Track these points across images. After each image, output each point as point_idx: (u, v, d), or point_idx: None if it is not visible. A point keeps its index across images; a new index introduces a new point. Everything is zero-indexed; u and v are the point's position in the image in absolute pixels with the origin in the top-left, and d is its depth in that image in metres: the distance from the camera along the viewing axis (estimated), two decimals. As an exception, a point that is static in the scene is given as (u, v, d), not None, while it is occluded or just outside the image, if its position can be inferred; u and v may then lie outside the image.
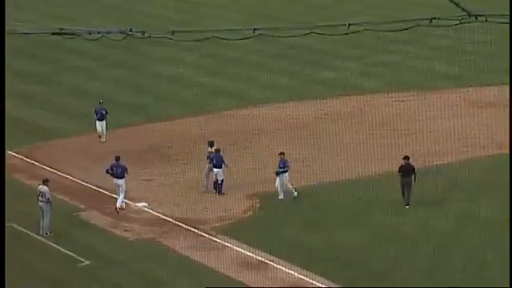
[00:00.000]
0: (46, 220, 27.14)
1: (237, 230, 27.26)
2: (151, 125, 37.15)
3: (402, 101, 38.61)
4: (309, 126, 36.50)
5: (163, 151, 33.94)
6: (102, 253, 26.25)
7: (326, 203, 28.84)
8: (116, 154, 29.80)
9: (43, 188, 27.26)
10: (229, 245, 26.28)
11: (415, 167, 27.89)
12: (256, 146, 34.79)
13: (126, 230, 27.77)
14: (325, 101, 39.03)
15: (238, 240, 26.44)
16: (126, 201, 29.59)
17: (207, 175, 29.69)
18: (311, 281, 23.75)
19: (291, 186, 29.26)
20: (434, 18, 17.48)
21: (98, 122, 34.65)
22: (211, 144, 29.97)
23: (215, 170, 29.15)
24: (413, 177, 27.74)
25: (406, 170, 27.88)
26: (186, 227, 27.59)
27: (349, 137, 34.28)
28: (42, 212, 27.19)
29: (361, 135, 34.07)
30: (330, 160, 32.24)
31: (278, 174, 29.02)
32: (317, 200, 29.21)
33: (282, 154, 29.66)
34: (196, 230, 27.36)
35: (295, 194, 29.06)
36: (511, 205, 25.48)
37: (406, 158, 28.08)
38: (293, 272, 24.28)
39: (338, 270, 24.30)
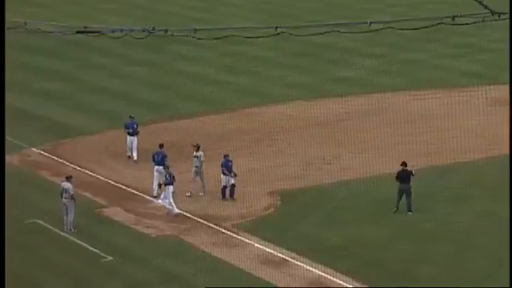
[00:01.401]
0: (70, 216, 27.33)
1: (258, 227, 27.33)
2: (172, 122, 37.34)
3: (424, 98, 38.55)
4: (330, 124, 36.52)
5: (185, 149, 33.88)
6: (124, 249, 26.39)
7: (347, 201, 28.83)
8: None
9: (66, 185, 27.49)
10: (250, 242, 26.38)
11: (413, 172, 27.64)
12: (277, 143, 34.84)
13: (147, 227, 27.89)
14: (346, 99, 38.98)
15: (259, 237, 26.52)
16: (148, 197, 29.79)
17: (194, 179, 29.28)
18: (332, 278, 23.88)
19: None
20: (457, 16, 17.50)
21: (128, 138, 32.87)
22: (197, 147, 29.52)
23: (224, 177, 28.58)
24: (411, 183, 27.39)
25: (404, 177, 27.61)
26: (208, 224, 27.73)
27: (370, 134, 34.28)
28: (66, 208, 27.42)
29: (382, 133, 34.01)
30: (351, 158, 32.20)
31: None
32: (338, 198, 29.21)
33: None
34: (217, 227, 27.48)
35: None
36: (511, 205, 25.44)
37: (404, 164, 27.78)
38: (314, 269, 24.35)
39: (359, 268, 24.33)
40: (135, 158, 32.71)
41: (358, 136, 34.12)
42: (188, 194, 29.14)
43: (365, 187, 29.35)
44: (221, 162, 28.73)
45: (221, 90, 41.76)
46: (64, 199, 27.40)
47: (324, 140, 34.34)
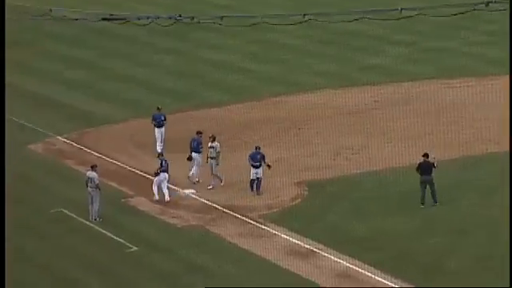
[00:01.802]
0: (95, 206, 27.50)
1: (285, 218, 27.36)
2: (198, 111, 37.41)
3: (455, 87, 38.27)
4: (358, 113, 36.39)
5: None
6: (149, 239, 26.54)
7: (375, 191, 28.74)
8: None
9: (91, 174, 27.65)
10: (277, 232, 26.42)
11: (435, 164, 27.46)
12: (304, 133, 34.81)
13: (173, 217, 28.05)
14: (375, 87, 38.81)
15: (285, 228, 26.55)
16: (173, 187, 29.84)
17: (212, 171, 29.18)
18: (360, 270, 23.84)
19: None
20: (491, 2, 17.31)
21: (156, 130, 32.54)
22: (213, 138, 29.41)
23: (255, 170, 28.41)
24: (433, 174, 27.26)
25: (426, 168, 27.43)
26: (234, 214, 27.81)
27: (399, 124, 34.08)
28: (91, 198, 27.62)
29: (412, 122, 33.80)
30: (380, 147, 32.09)
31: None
32: (366, 188, 29.13)
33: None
34: (244, 218, 27.57)
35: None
36: (511, 204, 25.37)
37: (425, 155, 27.60)
38: (341, 261, 24.38)
39: (387, 260, 24.31)
40: (159, 150, 32.10)
41: (387, 125, 33.99)
42: (210, 187, 29.19)
43: (393, 178, 29.16)
44: (250, 154, 28.58)
45: (247, 78, 41.81)
46: (89, 188, 27.60)
47: (352, 129, 34.25)
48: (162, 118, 32.94)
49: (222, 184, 29.37)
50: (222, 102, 38.21)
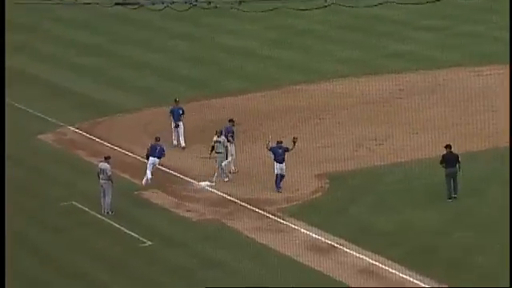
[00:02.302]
0: (107, 198, 27.62)
1: (305, 212, 27.45)
2: (215, 100, 37.53)
3: (485, 75, 38.16)
4: (383, 102, 36.38)
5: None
6: (163, 233, 26.69)
7: (400, 184, 28.78)
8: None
9: (104, 165, 27.77)
10: (296, 227, 26.48)
11: (459, 156, 27.49)
12: (326, 122, 34.82)
13: (188, 211, 28.21)
14: (400, 75, 38.79)
15: (306, 222, 26.64)
16: (188, 179, 30.06)
17: (219, 167, 29.12)
18: (384, 266, 23.85)
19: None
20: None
21: (174, 124, 32.40)
22: (219, 133, 29.40)
23: (278, 165, 28.31)
24: (457, 166, 27.26)
25: (450, 160, 27.42)
26: (252, 208, 27.93)
27: (426, 114, 34.04)
28: (103, 190, 27.78)
29: (439, 112, 33.81)
30: (405, 138, 32.11)
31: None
32: (390, 181, 29.15)
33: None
34: (262, 211, 27.68)
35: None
36: (511, 203, 25.38)
37: (448, 146, 27.59)
38: (364, 257, 24.41)
39: (412, 256, 24.32)
40: (183, 145, 32.25)
41: (412, 115, 33.89)
42: (226, 180, 29.30)
43: (419, 170, 29.14)
44: (271, 148, 28.55)
45: (266, 65, 41.84)
46: (101, 180, 27.76)
47: (376, 119, 34.23)
48: (180, 112, 32.75)
49: (226, 180, 29.39)
50: (239, 91, 38.30)
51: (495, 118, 32.81)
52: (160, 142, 29.88)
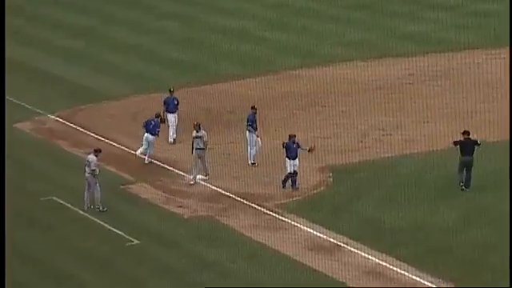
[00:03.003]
0: (97, 194, 27.62)
1: (306, 208, 27.48)
2: (208, 86, 37.55)
3: (503, 58, 37.95)
4: (391, 89, 36.41)
5: (222, 116, 34.29)
6: (152, 231, 26.74)
7: (410, 178, 28.72)
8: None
9: (90, 157, 27.83)
10: (297, 224, 26.53)
11: (479, 141, 27.65)
12: (328, 111, 34.79)
13: (179, 206, 28.22)
14: (410, 59, 38.70)
15: (307, 219, 26.69)
16: (179, 172, 30.06)
17: (195, 165, 29.04)
18: (392, 267, 23.91)
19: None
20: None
21: (169, 115, 32.37)
22: (198, 127, 29.27)
23: (291, 161, 28.13)
24: (474, 154, 27.44)
25: (467, 147, 27.51)
26: (248, 204, 27.97)
27: (438, 101, 34.10)
28: (88, 184, 27.81)
29: (453, 99, 33.79)
30: (415, 128, 32.13)
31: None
32: (399, 174, 29.15)
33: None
34: (259, 207, 27.72)
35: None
36: (511, 202, 25.46)
37: (466, 132, 27.72)
38: (371, 257, 24.47)
39: (423, 255, 24.39)
40: (171, 139, 32.40)
41: (424, 102, 33.94)
42: (192, 183, 29.18)
43: (431, 162, 29.19)
44: (284, 143, 28.55)
45: (263, 48, 41.85)
46: (86, 174, 27.80)
47: (383, 107, 34.21)
48: (176, 103, 32.80)
49: (207, 178, 29.34)
50: (234, 76, 38.32)
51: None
52: (158, 119, 30.51)
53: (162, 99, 33.17)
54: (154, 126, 30.68)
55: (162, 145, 31.02)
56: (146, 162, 30.79)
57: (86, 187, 27.84)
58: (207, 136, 29.55)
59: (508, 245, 24.09)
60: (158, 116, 31.12)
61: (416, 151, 30.28)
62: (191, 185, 29.01)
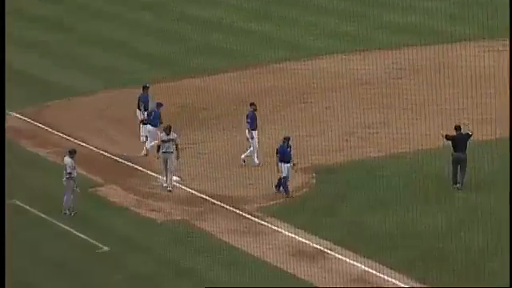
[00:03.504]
0: (67, 198, 27.55)
1: (288, 211, 27.51)
2: (183, 81, 37.46)
3: (499, 50, 38.15)
4: (378, 83, 36.42)
5: (198, 114, 34.24)
6: (123, 237, 26.73)
7: (399, 178, 28.78)
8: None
9: (66, 160, 27.75)
10: (278, 229, 26.58)
11: (470, 132, 27.85)
12: (312, 107, 34.85)
13: (152, 210, 28.23)
14: (399, 51, 38.77)
15: (289, 223, 26.72)
16: (152, 173, 30.04)
17: (164, 169, 28.82)
18: (380, 274, 23.93)
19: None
20: None
21: (138, 112, 32.49)
22: (168, 129, 28.95)
23: (283, 165, 27.98)
24: (467, 151, 27.58)
25: (461, 143, 27.62)
26: (227, 207, 28.00)
27: (429, 96, 34.09)
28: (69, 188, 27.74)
29: (445, 94, 33.78)
30: (403, 125, 32.06)
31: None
32: (387, 175, 29.15)
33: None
34: (238, 211, 27.74)
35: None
36: (511, 201, 25.58)
37: (457, 128, 27.90)
38: (357, 263, 24.48)
39: (413, 262, 24.40)
40: (143, 138, 32.10)
41: (413, 99, 33.94)
42: (170, 189, 29.00)
43: (421, 162, 29.24)
44: (278, 147, 28.42)
45: (243, 40, 41.82)
46: (64, 178, 27.72)
47: (370, 103, 34.24)
48: (150, 100, 32.71)
49: (178, 185, 29.15)
50: (212, 70, 38.25)
51: (508, 101, 32.48)
52: (160, 109, 30.84)
53: (136, 96, 33.18)
54: (154, 117, 30.77)
55: (133, 144, 30.71)
56: (143, 153, 30.98)
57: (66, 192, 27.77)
58: (178, 139, 29.34)
59: (507, 250, 24.11)
60: (159, 105, 31.16)
61: (404, 150, 30.33)
62: (169, 191, 28.90)
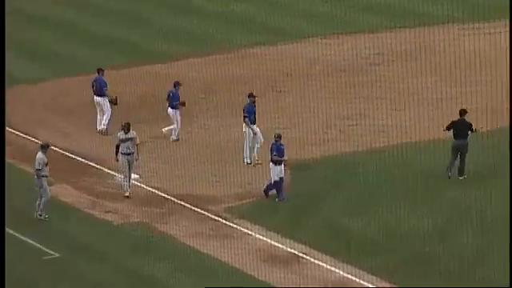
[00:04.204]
0: (43, 198, 27.21)
1: (260, 212, 27.44)
2: (145, 67, 37.29)
3: (486, 33, 38.04)
4: (356, 71, 36.40)
5: (160, 104, 33.70)
6: (75, 242, 26.40)
7: (380, 176, 28.61)
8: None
9: (37, 155, 27.39)
10: (249, 232, 26.44)
11: (474, 127, 28.04)
12: (286, 97, 34.83)
13: (108, 212, 28.03)
14: (378, 35, 38.86)
15: (261, 225, 26.60)
16: (108, 171, 29.70)
17: (126, 175, 28.28)
18: (360, 281, 23.70)
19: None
20: None
21: (95, 99, 32.65)
22: (127, 127, 28.39)
23: (276, 166, 27.61)
24: (468, 138, 27.83)
25: (461, 129, 27.79)
26: (191, 208, 27.81)
27: (411, 84, 34.05)
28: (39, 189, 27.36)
29: (426, 82, 33.73)
30: (385, 117, 32.02)
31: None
32: (368, 171, 28.97)
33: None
34: (205, 212, 27.59)
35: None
36: (511, 200, 25.69)
37: (463, 111, 28.07)
38: (335, 269, 24.28)
39: (397, 267, 24.18)
40: (103, 127, 32.33)
41: (396, 87, 33.93)
42: (127, 195, 28.44)
43: (405, 157, 29.15)
44: (270, 146, 28.14)
45: (211, 22, 41.70)
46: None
47: (349, 92, 34.13)
48: (99, 86, 32.71)
49: (137, 183, 28.70)
50: (176, 55, 38.01)
51: (499, 91, 32.28)
52: (176, 89, 31.26)
53: (90, 81, 33.07)
54: (173, 98, 31.25)
55: (86, 137, 30.37)
56: (174, 138, 31.53)
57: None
58: (138, 139, 28.75)
59: (504, 251, 23.91)
60: (177, 84, 31.47)
61: (386, 144, 30.26)
62: (127, 197, 28.42)
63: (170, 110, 31.37)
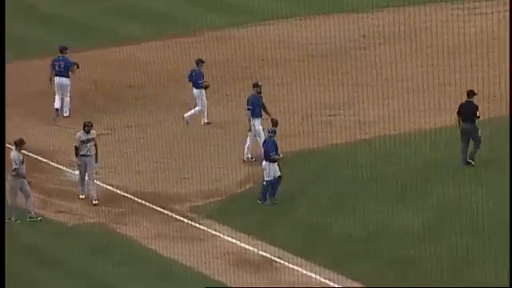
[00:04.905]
0: (29, 200, 27.38)
1: (229, 212, 27.51)
2: (102, 51, 37.32)
3: (483, 13, 37.88)
4: (339, 55, 36.51)
5: (120, 92, 33.98)
6: (24, 245, 26.43)
7: (363, 170, 28.63)
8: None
9: (12, 154, 27.31)
10: (217, 233, 26.49)
11: (478, 113, 28.48)
12: (262, 84, 33.96)
13: (60, 212, 28.02)
14: (363, 15, 39.06)
15: (230, 226, 26.64)
16: (59, 166, 29.58)
17: (83, 176, 28.31)
18: (341, 287, 23.67)
19: None
20: None
21: (57, 79, 33.05)
22: (88, 126, 28.14)
23: (269, 164, 27.50)
24: (476, 123, 28.27)
25: (467, 112, 28.19)
26: (153, 207, 27.89)
27: (400, 70, 33.70)
28: (14, 190, 27.45)
29: (418, 67, 33.86)
30: (371, 106, 32.23)
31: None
32: (352, 165, 29.07)
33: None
34: (168, 212, 27.63)
35: None
36: (511, 199, 25.99)
37: (471, 93, 28.38)
38: (313, 274, 24.29)
39: (382, 271, 24.22)
40: (66, 113, 32.78)
41: (383, 73, 33.74)
42: (96, 202, 28.30)
43: (392, 150, 29.30)
44: (264, 142, 28.15)
45: (177, 2, 41.88)
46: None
47: (330, 79, 33.95)
48: (63, 66, 33.09)
49: (94, 201, 28.39)
50: (134, 38, 38.16)
51: (496, 76, 32.69)
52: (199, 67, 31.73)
53: (49, 63, 33.32)
54: (196, 77, 31.54)
55: (36, 128, 30.27)
56: (205, 121, 31.80)
57: (11, 194, 27.44)
58: (98, 140, 28.74)
59: (503, 252, 23.98)
60: (200, 62, 31.92)
61: (373, 136, 30.48)
62: (95, 205, 28.24)
63: (194, 90, 31.50)
